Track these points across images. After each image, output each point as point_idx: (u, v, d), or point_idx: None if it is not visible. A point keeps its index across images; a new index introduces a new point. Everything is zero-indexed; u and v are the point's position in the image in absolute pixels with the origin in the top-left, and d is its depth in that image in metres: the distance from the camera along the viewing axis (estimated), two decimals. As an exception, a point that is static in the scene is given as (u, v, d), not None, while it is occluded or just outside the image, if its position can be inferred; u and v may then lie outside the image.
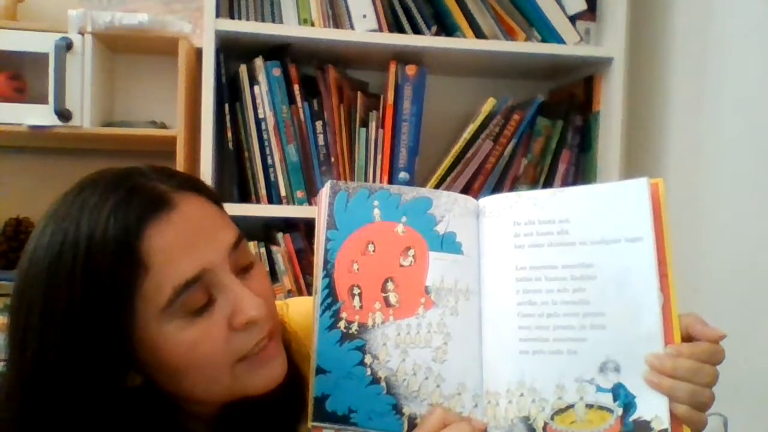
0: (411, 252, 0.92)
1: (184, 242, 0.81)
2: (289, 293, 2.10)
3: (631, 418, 0.84)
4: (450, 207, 0.94)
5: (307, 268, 2.15)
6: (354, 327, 0.90)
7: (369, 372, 0.89)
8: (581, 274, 0.88)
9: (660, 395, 0.83)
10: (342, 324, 0.90)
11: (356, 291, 0.91)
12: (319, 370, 0.90)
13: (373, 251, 0.92)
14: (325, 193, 0.94)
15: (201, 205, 0.86)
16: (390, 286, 0.91)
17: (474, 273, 0.93)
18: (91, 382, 0.80)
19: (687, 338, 0.85)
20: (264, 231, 2.23)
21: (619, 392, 0.85)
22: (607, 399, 0.85)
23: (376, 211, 0.93)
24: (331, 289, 0.92)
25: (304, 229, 2.17)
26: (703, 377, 0.83)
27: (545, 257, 0.90)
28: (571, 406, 0.86)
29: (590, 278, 0.87)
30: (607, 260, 0.87)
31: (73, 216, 0.80)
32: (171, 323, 0.81)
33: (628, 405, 0.84)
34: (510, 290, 0.90)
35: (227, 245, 0.85)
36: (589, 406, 0.85)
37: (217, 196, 0.91)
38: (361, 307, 0.91)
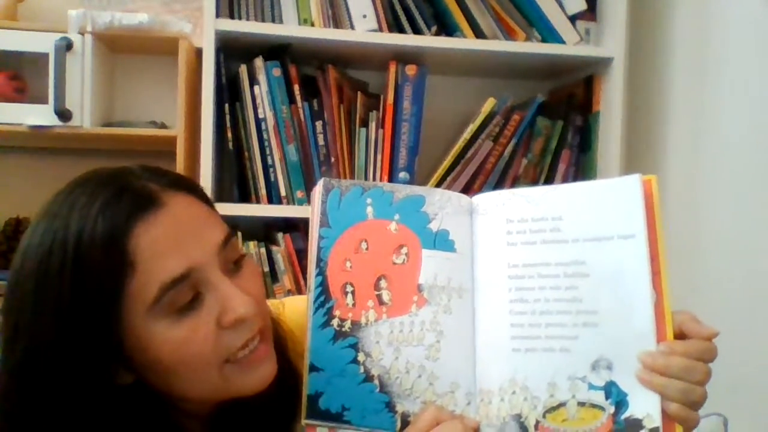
0: (404, 250, 0.92)
1: (171, 240, 0.81)
2: (289, 293, 2.10)
3: (622, 416, 0.84)
4: (443, 205, 0.94)
5: (307, 268, 2.14)
6: (347, 325, 0.90)
7: (362, 370, 0.89)
8: (574, 271, 0.88)
9: (652, 393, 0.83)
10: (335, 322, 0.90)
11: (349, 289, 0.91)
12: (313, 368, 0.90)
13: (366, 249, 0.92)
14: (318, 190, 0.94)
15: (190, 204, 0.86)
16: (383, 284, 0.91)
17: (467, 271, 0.93)
18: (82, 379, 0.80)
19: (680, 336, 0.85)
20: (264, 231, 2.23)
21: (611, 390, 0.84)
22: (599, 397, 0.85)
23: (369, 209, 0.93)
24: (324, 287, 0.91)
25: (304, 229, 2.17)
26: (696, 375, 0.82)
27: (538, 255, 0.90)
28: (563, 404, 0.86)
29: (583, 276, 0.87)
30: (599, 257, 0.87)
31: (63, 215, 0.81)
32: (159, 321, 0.81)
33: (620, 403, 0.84)
34: (503, 288, 0.90)
35: (215, 244, 0.85)
36: (581, 404, 0.85)
37: (206, 196, 0.91)
38: (354, 305, 0.91)
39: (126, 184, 0.83)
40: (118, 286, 0.79)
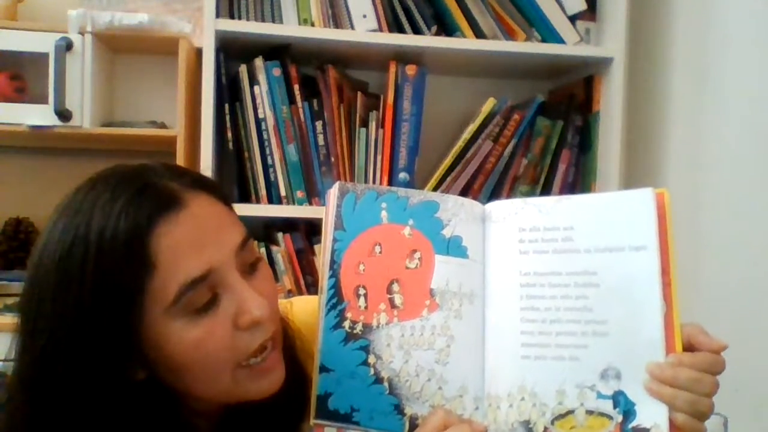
0: (417, 255, 0.93)
1: (192, 241, 0.82)
2: (289, 293, 2.10)
3: (630, 425, 0.84)
4: (457, 211, 0.95)
5: (307, 268, 2.15)
6: (358, 327, 0.91)
7: (372, 372, 0.90)
8: (585, 281, 0.88)
9: (660, 403, 0.84)
10: (347, 324, 0.91)
11: (362, 291, 0.92)
12: (323, 369, 0.90)
13: (380, 253, 0.93)
14: (333, 194, 0.95)
15: (210, 205, 0.86)
16: (395, 287, 0.92)
17: (479, 277, 0.94)
18: (98, 374, 0.80)
19: (688, 348, 0.86)
20: (264, 231, 2.23)
21: (619, 399, 0.85)
22: (607, 405, 0.85)
23: (384, 214, 0.94)
24: (336, 289, 0.92)
25: (304, 229, 2.17)
26: (703, 387, 0.83)
27: (549, 264, 0.90)
28: (571, 412, 0.86)
29: (594, 285, 0.88)
30: (610, 268, 0.88)
31: (84, 212, 0.81)
32: (176, 321, 0.81)
33: (628, 412, 0.85)
34: (514, 295, 0.91)
35: (234, 245, 0.86)
36: (590, 412, 0.86)
37: (225, 196, 0.91)
38: (366, 307, 0.91)
39: (148, 182, 0.83)
40: (139, 285, 0.79)
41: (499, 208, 0.96)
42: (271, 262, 2.13)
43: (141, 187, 0.82)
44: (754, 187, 1.81)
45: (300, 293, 2.11)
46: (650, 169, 2.23)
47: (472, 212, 0.96)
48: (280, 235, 2.14)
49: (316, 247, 2.16)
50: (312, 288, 2.13)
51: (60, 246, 0.80)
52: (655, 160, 2.23)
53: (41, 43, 2.10)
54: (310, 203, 2.11)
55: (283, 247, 2.14)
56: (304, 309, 1.05)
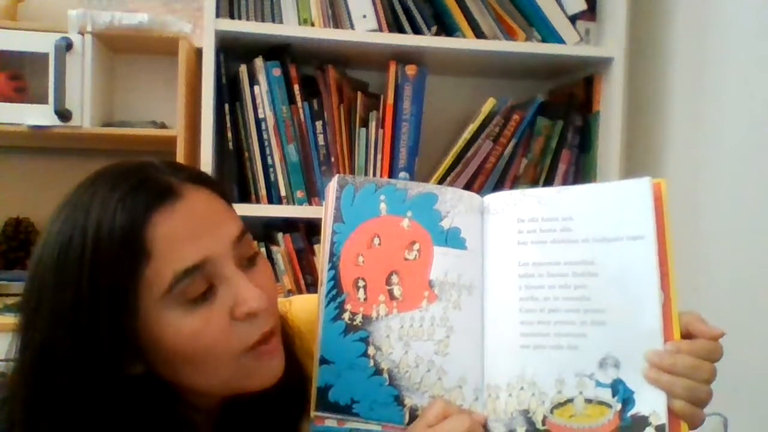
0: (416, 246, 0.93)
1: (188, 231, 0.82)
2: (289, 293, 2.10)
3: (629, 413, 0.85)
4: (455, 203, 0.95)
5: (307, 268, 2.15)
6: (358, 318, 0.91)
7: (372, 363, 0.90)
8: (583, 270, 0.89)
9: (658, 391, 0.84)
10: (346, 315, 0.91)
11: (361, 283, 0.92)
12: (323, 361, 0.91)
13: (379, 245, 0.93)
14: (332, 187, 0.95)
15: (207, 198, 0.87)
16: (394, 279, 0.92)
17: (477, 268, 0.94)
18: (96, 369, 0.80)
19: (686, 336, 0.86)
20: (264, 231, 2.23)
21: (618, 387, 0.85)
22: (606, 394, 0.86)
23: (383, 206, 0.94)
24: (336, 281, 0.92)
25: (304, 229, 2.17)
26: (702, 374, 0.84)
27: (548, 254, 0.91)
28: (570, 400, 0.87)
29: (592, 275, 0.88)
30: (609, 258, 0.88)
31: (83, 205, 0.81)
32: (172, 311, 0.81)
33: (627, 400, 0.85)
34: (512, 286, 0.91)
35: (231, 237, 0.86)
36: (588, 401, 0.86)
37: (225, 192, 0.92)
38: (365, 299, 0.92)
39: (146, 176, 0.84)
40: (134, 274, 0.79)
41: (497, 199, 0.96)
42: (271, 262, 2.12)
43: (139, 181, 0.83)
44: (754, 187, 1.81)
45: (300, 293, 2.11)
46: (650, 169, 2.22)
47: (470, 204, 0.96)
48: (280, 235, 2.14)
49: (315, 247, 2.16)
50: (312, 288, 2.13)
51: (59, 238, 0.81)
52: (655, 160, 2.23)
53: (41, 43, 2.10)
54: (310, 203, 2.11)
55: (283, 247, 2.14)
56: (304, 307, 1.05)
